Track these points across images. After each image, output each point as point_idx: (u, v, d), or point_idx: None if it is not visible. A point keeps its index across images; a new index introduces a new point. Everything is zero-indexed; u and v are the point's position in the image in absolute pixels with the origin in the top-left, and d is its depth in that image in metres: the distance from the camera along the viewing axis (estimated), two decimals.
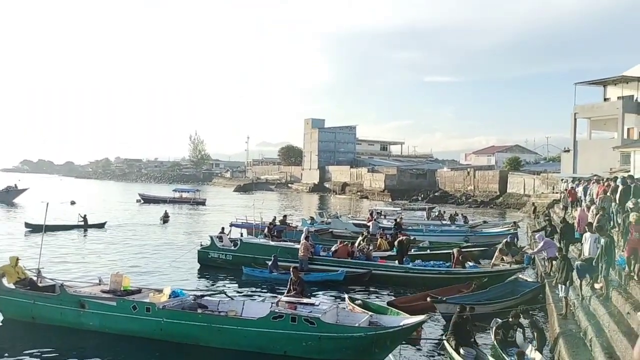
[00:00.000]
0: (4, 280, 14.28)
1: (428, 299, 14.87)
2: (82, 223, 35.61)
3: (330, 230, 31.03)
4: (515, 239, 28.98)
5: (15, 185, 62.34)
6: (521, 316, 11.99)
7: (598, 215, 16.05)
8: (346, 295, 15.70)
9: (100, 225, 36.45)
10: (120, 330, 12.85)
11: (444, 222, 36.11)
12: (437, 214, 40.14)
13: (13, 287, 14.20)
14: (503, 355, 10.75)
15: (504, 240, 22.34)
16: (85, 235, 33.02)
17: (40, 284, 14.48)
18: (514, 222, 33.01)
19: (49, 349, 12.40)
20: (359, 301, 14.84)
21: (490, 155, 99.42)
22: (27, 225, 33.69)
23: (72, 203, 55.27)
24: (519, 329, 11.75)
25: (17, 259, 14.73)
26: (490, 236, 30.59)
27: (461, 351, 11.01)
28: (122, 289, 14.02)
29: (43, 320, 13.56)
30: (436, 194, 74.72)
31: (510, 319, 11.75)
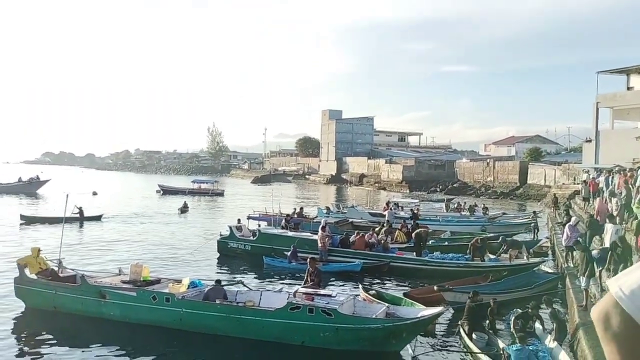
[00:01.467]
0: (26, 271, 14.55)
1: (435, 287, 14.82)
2: (78, 215, 33.75)
3: (350, 220, 30.97)
4: (536, 230, 28.74)
5: (38, 176, 63.39)
6: (541, 306, 11.93)
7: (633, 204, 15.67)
8: (360, 285, 15.70)
9: (97, 218, 35.07)
10: (140, 320, 13.03)
11: (463, 213, 35.89)
12: (456, 205, 39.85)
13: (35, 277, 14.47)
14: (517, 341, 10.76)
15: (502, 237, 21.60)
16: (81, 228, 32.01)
17: (61, 274, 14.72)
18: (534, 212, 32.48)
19: (71, 338, 12.62)
20: (373, 291, 14.82)
21: (510, 145, 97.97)
22: (22, 217, 33.83)
23: (94, 194, 56.04)
24: (537, 319, 11.71)
25: (39, 250, 14.99)
26: (508, 226, 30.29)
27: (474, 336, 11.31)
28: (141, 279, 14.19)
29: (64, 310, 13.80)
30: (455, 185, 74.05)
31: (530, 310, 11.71)
